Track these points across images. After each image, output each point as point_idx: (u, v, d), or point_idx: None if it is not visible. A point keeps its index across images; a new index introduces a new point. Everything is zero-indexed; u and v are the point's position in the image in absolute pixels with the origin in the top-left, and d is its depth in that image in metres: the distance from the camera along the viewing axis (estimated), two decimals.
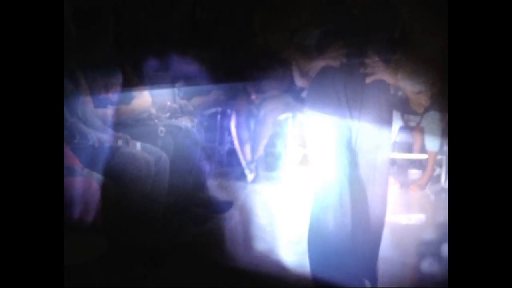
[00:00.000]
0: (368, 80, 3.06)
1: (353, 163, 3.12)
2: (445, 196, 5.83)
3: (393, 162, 5.93)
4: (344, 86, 3.07)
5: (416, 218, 5.34)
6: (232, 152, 6.34)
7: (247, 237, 4.56)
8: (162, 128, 4.77)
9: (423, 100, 5.81)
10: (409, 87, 5.68)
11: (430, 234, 4.86)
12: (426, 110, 5.89)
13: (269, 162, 6.38)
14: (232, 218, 4.98)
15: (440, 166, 6.02)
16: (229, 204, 5.06)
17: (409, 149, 6.25)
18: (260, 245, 4.32)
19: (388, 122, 3.13)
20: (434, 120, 5.91)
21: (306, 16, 3.09)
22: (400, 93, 5.76)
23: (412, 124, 6.08)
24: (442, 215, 5.42)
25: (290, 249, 4.17)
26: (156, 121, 4.84)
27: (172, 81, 5.57)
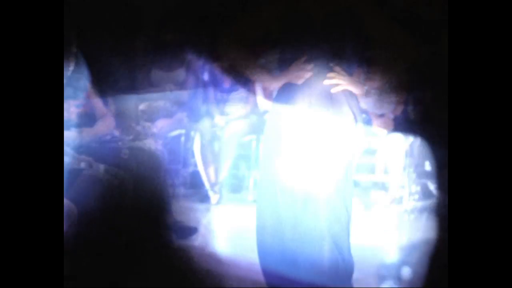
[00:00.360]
0: (334, 90, 3.03)
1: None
2: (407, 218, 5.87)
3: (356, 183, 5.93)
4: (309, 101, 3.04)
5: (379, 239, 5.29)
6: (196, 174, 6.33)
7: (210, 260, 4.54)
8: (125, 150, 4.70)
9: (387, 122, 5.84)
10: (373, 109, 5.72)
11: (392, 256, 4.87)
12: (390, 132, 5.93)
13: (233, 184, 6.41)
14: (195, 240, 4.99)
15: (403, 187, 6.06)
16: (193, 230, 5.06)
17: (372, 171, 6.26)
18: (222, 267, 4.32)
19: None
20: (397, 142, 5.93)
21: (269, 29, 3.09)
22: (363, 115, 5.78)
23: (375, 146, 6.11)
24: (405, 237, 5.45)
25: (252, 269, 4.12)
26: (119, 143, 4.78)
27: (136, 103, 5.56)
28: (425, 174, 6.04)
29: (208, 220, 5.72)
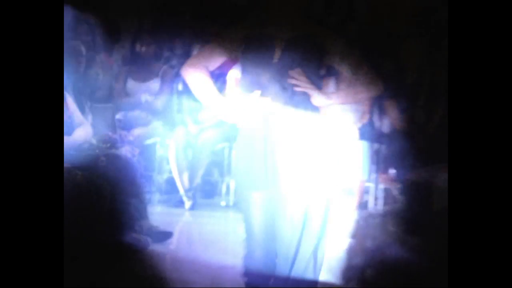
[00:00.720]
0: (298, 88, 2.97)
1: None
2: (372, 221, 5.93)
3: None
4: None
5: (345, 241, 5.34)
6: (171, 181, 6.34)
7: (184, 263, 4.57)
8: (103, 157, 4.72)
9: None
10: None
11: (358, 257, 4.87)
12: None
13: (207, 189, 6.42)
14: (171, 244, 5.00)
15: (368, 193, 6.14)
16: (168, 234, 5.05)
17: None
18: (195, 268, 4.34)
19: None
20: (362, 150, 6.02)
21: (231, 50, 3.03)
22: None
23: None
24: (370, 239, 5.47)
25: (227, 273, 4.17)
26: (97, 151, 4.79)
27: (113, 112, 5.61)
28: (389, 180, 6.07)
29: (182, 224, 5.75)
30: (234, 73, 5.67)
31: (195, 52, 6.06)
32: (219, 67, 3.19)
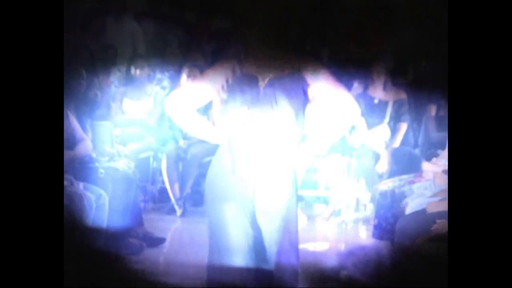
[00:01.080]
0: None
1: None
2: (345, 227, 5.94)
3: (300, 198, 6.01)
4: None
5: (321, 246, 5.44)
6: (163, 190, 6.39)
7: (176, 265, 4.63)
8: (101, 170, 4.86)
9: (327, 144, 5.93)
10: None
11: (332, 261, 4.93)
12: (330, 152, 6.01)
13: (196, 198, 6.41)
14: (164, 248, 5.04)
15: (341, 201, 6.12)
16: (161, 240, 5.14)
17: (315, 187, 6.38)
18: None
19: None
20: (336, 162, 6.07)
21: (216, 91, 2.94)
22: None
23: (318, 165, 6.23)
24: (343, 243, 5.52)
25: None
26: (96, 164, 4.93)
27: (110, 129, 5.59)
28: (360, 190, 6.10)
29: (174, 230, 5.77)
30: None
31: (182, 79, 6.06)
32: None
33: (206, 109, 3.41)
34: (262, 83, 2.88)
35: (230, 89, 2.88)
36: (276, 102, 2.85)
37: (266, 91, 2.87)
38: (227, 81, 2.90)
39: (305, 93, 2.92)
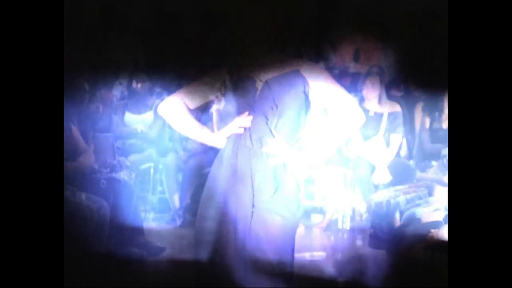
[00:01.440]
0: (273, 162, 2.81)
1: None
2: (341, 236, 5.92)
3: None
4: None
5: (318, 255, 5.40)
6: (163, 201, 6.40)
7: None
8: (103, 181, 4.88)
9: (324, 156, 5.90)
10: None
11: (329, 269, 4.91)
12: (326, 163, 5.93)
13: (194, 208, 6.21)
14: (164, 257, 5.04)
15: (338, 211, 6.10)
16: (161, 249, 5.13)
17: (312, 197, 6.31)
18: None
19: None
20: (332, 173, 6.05)
21: (213, 93, 2.88)
22: None
23: (314, 176, 6.17)
24: (340, 253, 5.48)
25: None
26: (98, 175, 4.94)
27: (112, 141, 5.60)
28: (356, 200, 6.04)
29: (173, 239, 5.67)
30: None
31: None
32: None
33: (204, 114, 3.34)
34: (260, 84, 2.78)
35: (228, 93, 2.80)
36: (276, 105, 2.76)
37: (264, 93, 2.78)
38: (224, 84, 2.82)
39: (305, 95, 2.82)
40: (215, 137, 2.92)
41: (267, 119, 2.77)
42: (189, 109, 2.91)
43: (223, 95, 2.83)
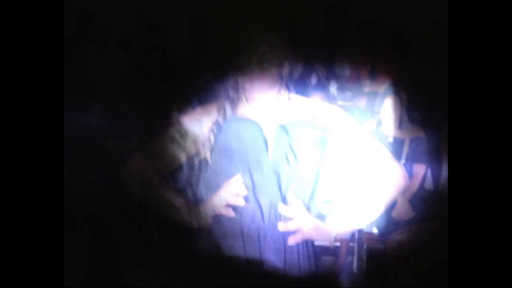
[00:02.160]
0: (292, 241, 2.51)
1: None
2: (357, 283, 5.49)
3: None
4: None
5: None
6: None
7: None
8: None
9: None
10: None
11: None
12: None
13: None
14: None
15: (352, 253, 5.62)
16: None
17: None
18: None
19: None
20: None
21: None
22: None
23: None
24: None
25: None
26: None
27: None
28: (372, 240, 5.49)
29: None
30: None
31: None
32: None
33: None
34: (267, 132, 2.35)
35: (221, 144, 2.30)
36: (295, 156, 2.33)
37: (276, 142, 2.33)
38: (216, 124, 2.32)
39: (323, 140, 2.45)
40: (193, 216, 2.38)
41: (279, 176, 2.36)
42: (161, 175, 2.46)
43: (214, 139, 2.34)
